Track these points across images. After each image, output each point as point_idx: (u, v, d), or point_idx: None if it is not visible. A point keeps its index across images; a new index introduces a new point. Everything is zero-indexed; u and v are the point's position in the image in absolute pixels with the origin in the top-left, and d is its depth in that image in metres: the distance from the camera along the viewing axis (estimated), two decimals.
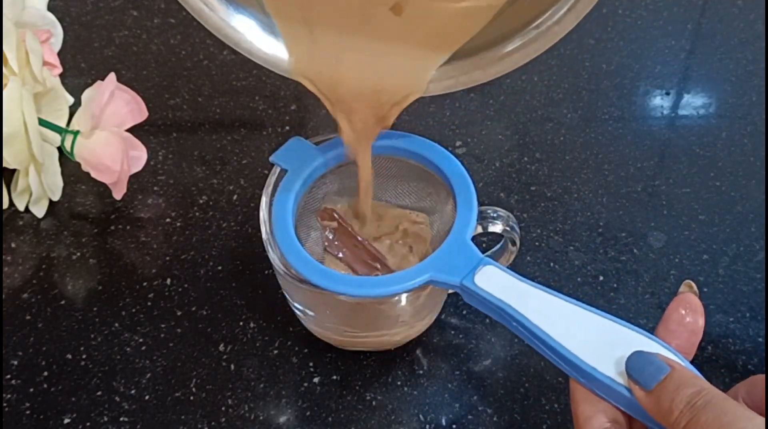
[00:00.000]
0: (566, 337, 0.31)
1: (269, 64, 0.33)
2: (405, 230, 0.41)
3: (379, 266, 0.39)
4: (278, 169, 0.38)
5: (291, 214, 0.36)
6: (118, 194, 0.46)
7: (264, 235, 0.36)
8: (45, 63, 0.45)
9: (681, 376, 0.27)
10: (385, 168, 0.40)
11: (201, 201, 0.48)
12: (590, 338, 0.30)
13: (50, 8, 0.50)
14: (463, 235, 0.35)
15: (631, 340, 0.30)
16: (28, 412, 0.39)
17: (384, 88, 0.33)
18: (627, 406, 0.29)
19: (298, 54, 0.33)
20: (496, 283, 0.33)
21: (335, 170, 0.39)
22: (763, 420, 0.25)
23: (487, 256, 0.41)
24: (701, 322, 0.30)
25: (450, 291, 0.41)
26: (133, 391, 0.40)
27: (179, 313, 0.43)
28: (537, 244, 0.47)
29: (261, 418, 0.39)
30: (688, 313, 0.30)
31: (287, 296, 0.39)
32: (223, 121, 0.53)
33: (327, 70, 0.33)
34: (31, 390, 0.40)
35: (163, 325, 0.43)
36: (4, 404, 0.40)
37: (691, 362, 0.29)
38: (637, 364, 0.28)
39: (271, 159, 0.38)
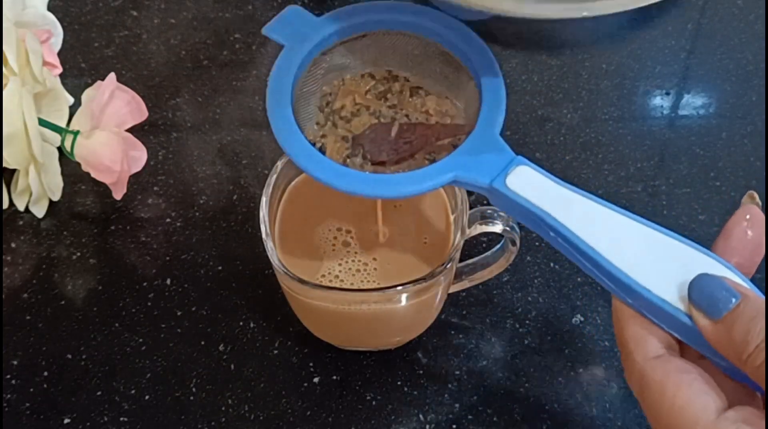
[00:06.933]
0: (614, 251, 0.27)
1: None
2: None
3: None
4: (278, 168, 0.38)
5: (290, 99, 0.31)
6: (118, 194, 0.46)
7: (264, 235, 0.36)
8: (45, 63, 0.45)
9: (756, 306, 0.24)
10: (392, 47, 0.35)
11: (201, 201, 0.48)
12: (642, 254, 0.26)
13: (50, 8, 0.50)
14: (492, 128, 0.30)
15: (691, 258, 0.26)
16: (28, 412, 0.39)
17: None
18: (684, 334, 0.26)
19: None
20: (532, 186, 0.29)
21: (339, 45, 0.34)
22: None
23: (487, 256, 0.41)
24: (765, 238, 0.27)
25: (451, 290, 0.41)
26: (133, 391, 0.40)
27: (179, 313, 0.43)
28: (537, 244, 0.47)
29: (261, 418, 0.39)
30: (752, 227, 0.27)
31: (287, 296, 0.39)
32: (223, 121, 0.53)
33: None
34: (31, 390, 0.40)
35: (163, 325, 0.43)
36: (4, 404, 0.40)
37: None
38: (703, 289, 0.25)
39: (264, 31, 0.33)
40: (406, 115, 0.34)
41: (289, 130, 0.30)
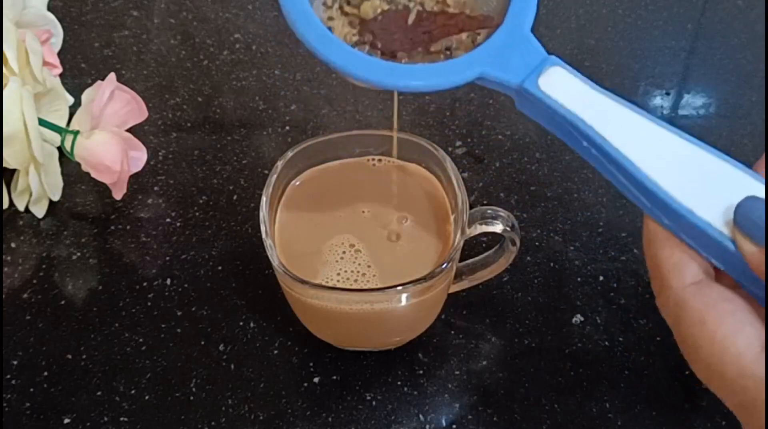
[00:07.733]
0: (654, 167, 0.24)
1: None
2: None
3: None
4: (278, 168, 0.38)
5: None
6: (118, 194, 0.46)
7: (264, 235, 0.36)
8: (45, 63, 0.45)
9: None
10: None
11: (201, 201, 0.48)
12: (685, 172, 0.24)
13: (50, 8, 0.50)
14: (522, 24, 0.28)
15: (738, 180, 0.24)
16: (28, 412, 0.39)
17: None
18: (724, 261, 0.24)
19: None
20: (567, 89, 0.26)
21: None
22: None
23: (487, 256, 0.41)
24: None
25: (451, 290, 0.41)
26: (133, 391, 0.40)
27: (179, 313, 0.43)
28: (537, 244, 0.47)
29: (261, 418, 0.39)
30: None
31: (287, 296, 0.39)
32: (223, 121, 0.53)
33: None
34: (31, 390, 0.40)
35: (163, 325, 0.43)
36: (4, 404, 0.40)
37: None
38: (750, 213, 0.23)
39: None
40: (421, 3, 0.31)
41: (299, 9, 0.28)
